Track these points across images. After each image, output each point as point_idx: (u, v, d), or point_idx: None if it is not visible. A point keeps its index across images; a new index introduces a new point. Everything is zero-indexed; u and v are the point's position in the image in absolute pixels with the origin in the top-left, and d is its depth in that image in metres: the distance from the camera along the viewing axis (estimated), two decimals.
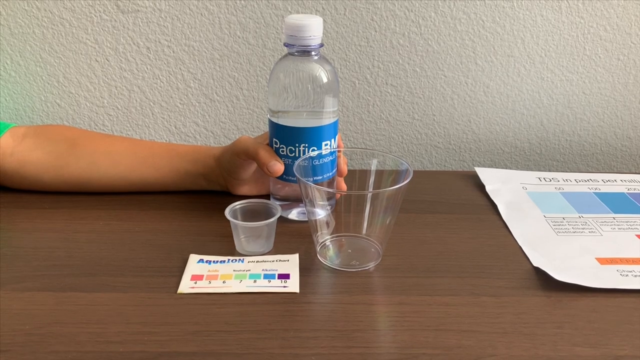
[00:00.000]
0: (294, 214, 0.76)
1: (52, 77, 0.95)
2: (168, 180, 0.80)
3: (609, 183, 0.88)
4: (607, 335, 0.56)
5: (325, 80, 0.71)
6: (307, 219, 0.70)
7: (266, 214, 0.69)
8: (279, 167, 0.72)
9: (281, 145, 0.72)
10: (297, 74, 0.71)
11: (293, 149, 0.72)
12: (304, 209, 0.70)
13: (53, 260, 0.66)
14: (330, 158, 0.73)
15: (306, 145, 0.71)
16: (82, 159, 0.79)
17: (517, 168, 1.03)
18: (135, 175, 0.80)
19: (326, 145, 0.72)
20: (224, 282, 0.62)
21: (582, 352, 0.54)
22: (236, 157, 0.75)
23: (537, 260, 0.67)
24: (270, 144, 0.74)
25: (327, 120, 0.72)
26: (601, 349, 0.54)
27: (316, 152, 0.71)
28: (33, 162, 0.78)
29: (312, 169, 0.71)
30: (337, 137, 0.74)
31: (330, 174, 0.74)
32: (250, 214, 0.70)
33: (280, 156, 0.73)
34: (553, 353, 0.54)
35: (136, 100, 0.97)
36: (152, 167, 0.80)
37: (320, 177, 0.72)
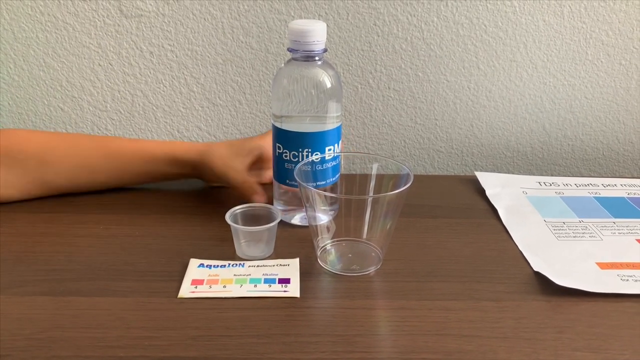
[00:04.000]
0: (297, 219, 0.75)
1: (55, 81, 0.96)
2: (148, 181, 0.84)
3: (609, 187, 0.88)
4: (608, 340, 0.56)
5: (329, 85, 0.71)
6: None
7: (267, 218, 0.69)
8: (258, 198, 0.77)
9: (284, 150, 0.72)
10: (301, 79, 0.71)
11: (296, 154, 0.72)
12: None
13: (53, 264, 0.66)
14: (333, 163, 0.73)
15: (309, 150, 0.71)
16: (60, 176, 0.79)
17: (519, 172, 1.03)
18: (115, 182, 0.83)
19: (329, 150, 0.72)
20: (224, 286, 0.62)
21: (583, 357, 0.54)
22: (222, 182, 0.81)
23: (538, 264, 0.67)
24: (273, 149, 0.74)
25: (330, 125, 0.72)
26: (602, 354, 0.54)
27: (319, 157, 0.71)
28: (6, 186, 0.77)
29: (314, 174, 0.71)
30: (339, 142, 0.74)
31: (333, 179, 0.73)
32: (250, 219, 0.70)
33: (284, 161, 0.72)
34: (554, 358, 0.53)
35: (139, 105, 0.98)
36: (128, 174, 0.82)
37: (323, 182, 0.72)
